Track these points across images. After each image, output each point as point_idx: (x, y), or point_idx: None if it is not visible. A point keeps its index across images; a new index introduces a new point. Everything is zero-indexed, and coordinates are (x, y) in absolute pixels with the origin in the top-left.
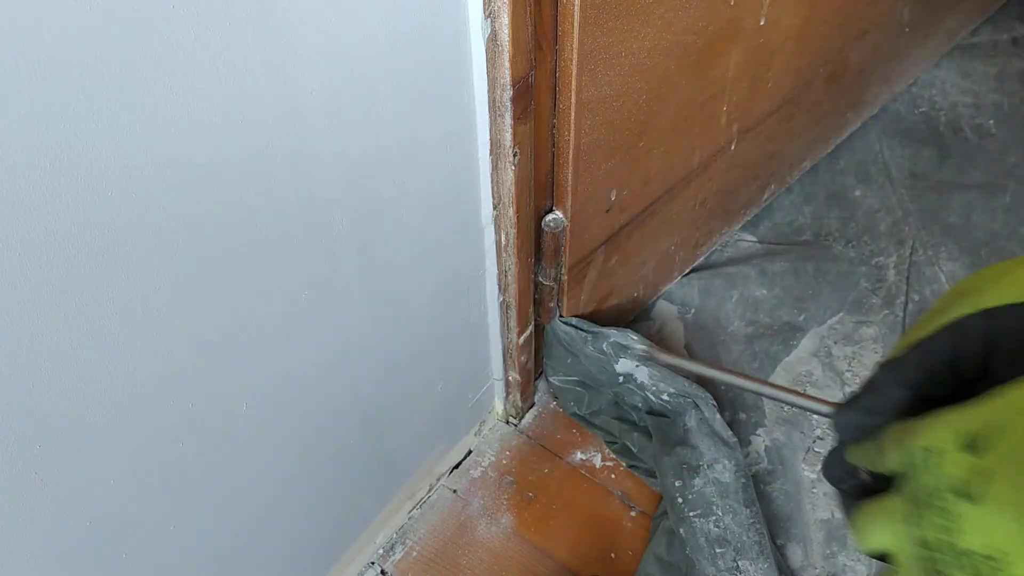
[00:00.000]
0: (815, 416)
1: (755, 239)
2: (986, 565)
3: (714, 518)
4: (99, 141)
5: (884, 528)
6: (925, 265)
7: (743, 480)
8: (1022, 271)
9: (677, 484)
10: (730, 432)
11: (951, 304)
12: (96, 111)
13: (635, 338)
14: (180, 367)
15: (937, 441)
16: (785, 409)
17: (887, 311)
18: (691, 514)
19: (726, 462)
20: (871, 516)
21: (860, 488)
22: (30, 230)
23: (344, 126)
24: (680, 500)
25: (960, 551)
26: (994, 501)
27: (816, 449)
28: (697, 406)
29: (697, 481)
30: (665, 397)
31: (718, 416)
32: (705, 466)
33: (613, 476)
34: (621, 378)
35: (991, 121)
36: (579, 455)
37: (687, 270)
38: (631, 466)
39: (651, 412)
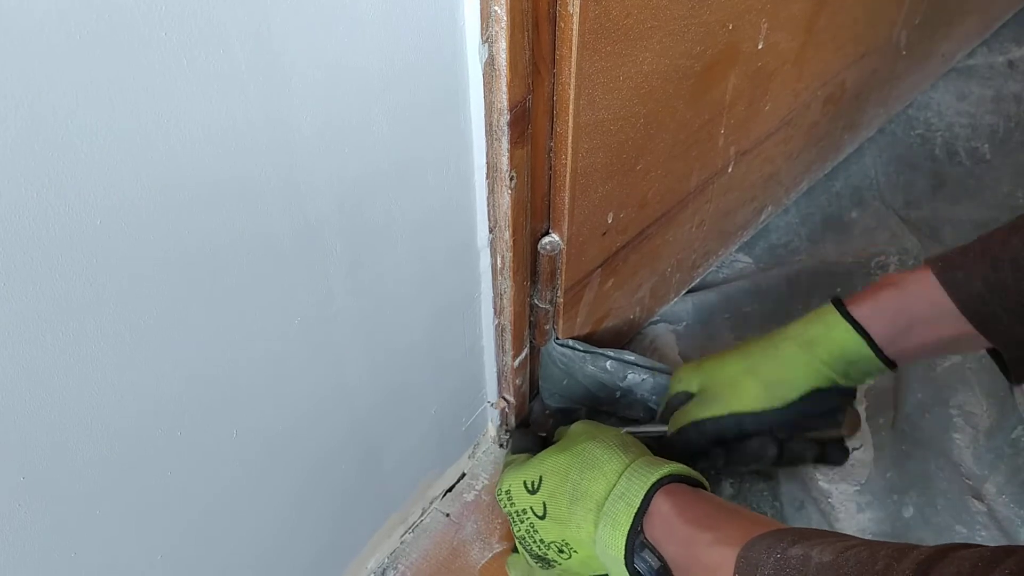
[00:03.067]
0: None
1: (751, 260)
2: (566, 546)
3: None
4: (87, 171)
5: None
6: None
7: None
8: (748, 387)
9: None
10: None
11: (713, 403)
12: (85, 141)
13: (632, 357)
14: (169, 396)
15: (510, 486)
16: None
17: None
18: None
19: None
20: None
21: None
22: (15, 263)
23: (338, 151)
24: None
25: (544, 541)
26: (551, 518)
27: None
28: None
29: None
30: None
31: None
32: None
33: None
34: (619, 393)
35: (986, 145)
36: None
37: (683, 292)
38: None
39: (655, 417)
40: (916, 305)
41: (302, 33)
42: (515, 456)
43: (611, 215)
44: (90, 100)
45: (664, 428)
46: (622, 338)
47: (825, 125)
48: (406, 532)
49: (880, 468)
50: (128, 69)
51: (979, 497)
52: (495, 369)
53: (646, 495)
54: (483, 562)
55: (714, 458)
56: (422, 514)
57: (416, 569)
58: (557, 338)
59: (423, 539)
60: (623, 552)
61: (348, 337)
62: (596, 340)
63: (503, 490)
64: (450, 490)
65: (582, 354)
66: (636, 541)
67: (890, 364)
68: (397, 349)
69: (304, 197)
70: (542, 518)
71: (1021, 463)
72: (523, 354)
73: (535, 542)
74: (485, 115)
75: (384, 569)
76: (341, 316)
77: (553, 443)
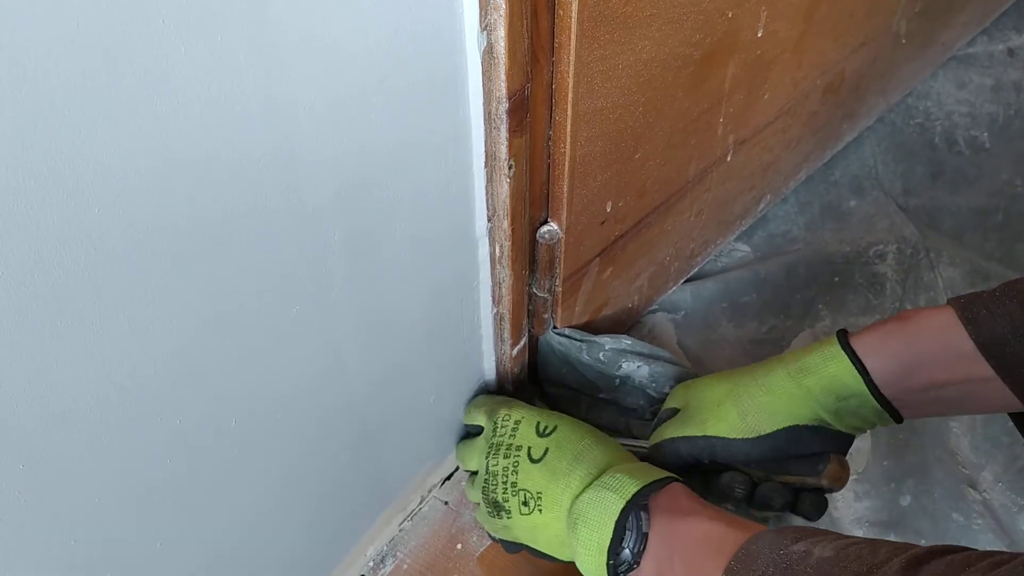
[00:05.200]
0: None
1: (749, 249)
2: (534, 499)
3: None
4: (86, 158)
5: (474, 457)
6: (926, 270)
7: None
8: (726, 411)
9: None
10: None
11: (690, 423)
12: (83, 128)
13: (629, 342)
14: (168, 384)
15: (522, 416)
16: None
17: (877, 315)
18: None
19: None
20: (468, 450)
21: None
22: (13, 250)
23: (337, 141)
24: None
25: (515, 485)
26: (546, 464)
27: None
28: None
29: None
30: (667, 390)
31: None
32: None
33: None
34: (617, 381)
35: (985, 134)
36: None
37: (682, 281)
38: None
39: (653, 404)
40: (926, 341)
41: (300, 21)
42: (506, 398)
43: (610, 204)
44: (88, 88)
45: (645, 446)
46: (621, 327)
47: (824, 114)
48: (405, 520)
49: (877, 457)
50: (126, 56)
51: (975, 486)
52: (493, 358)
53: (668, 476)
54: (481, 550)
55: (689, 481)
56: (421, 502)
57: (415, 557)
58: (555, 327)
59: (422, 527)
60: (628, 498)
61: (346, 325)
62: (594, 329)
63: (512, 418)
64: (448, 478)
65: (579, 343)
66: (641, 501)
67: (892, 411)
68: (395, 338)
69: (302, 185)
70: (534, 462)
71: (1018, 452)
72: (521, 343)
73: (506, 484)
74: (484, 103)
75: (383, 556)
76: (339, 304)
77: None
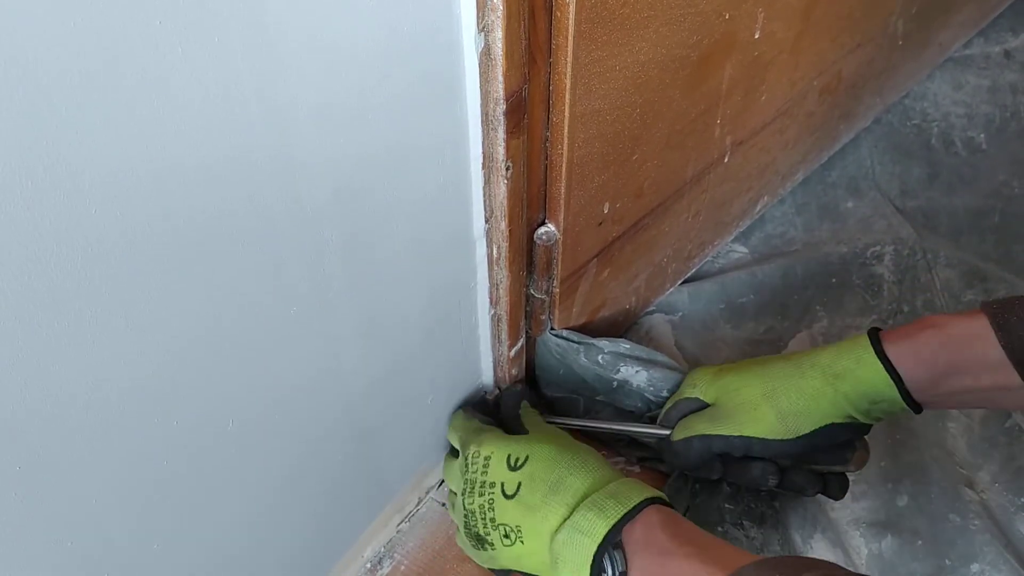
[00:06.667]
0: None
1: (747, 250)
2: (514, 532)
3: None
4: (83, 159)
5: (453, 480)
6: (923, 271)
7: None
8: (764, 413)
9: None
10: None
11: (725, 422)
12: (80, 130)
13: (627, 346)
14: (165, 385)
15: (492, 452)
16: None
17: (875, 316)
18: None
19: None
20: (449, 470)
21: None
22: (11, 250)
23: (335, 142)
24: None
25: (494, 521)
26: (520, 500)
27: None
28: None
29: None
30: (665, 394)
31: None
32: None
33: None
34: (615, 384)
35: (982, 135)
36: None
37: (679, 282)
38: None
39: (651, 408)
40: (958, 351)
41: (299, 21)
42: (479, 424)
43: (607, 205)
44: (86, 89)
45: (666, 432)
46: (618, 328)
47: (821, 115)
48: (402, 522)
49: (875, 457)
50: (124, 56)
51: (973, 486)
52: (491, 359)
53: (642, 501)
54: None
55: (712, 470)
56: (418, 503)
57: (412, 558)
58: (553, 328)
59: (419, 528)
60: (599, 541)
61: (344, 325)
62: (592, 330)
63: (482, 454)
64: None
65: (576, 345)
66: (614, 539)
67: (915, 407)
68: (392, 338)
69: (301, 186)
70: (508, 497)
71: (1015, 451)
72: (519, 344)
73: (485, 520)
74: (481, 105)
75: (380, 558)
76: (337, 304)
77: (514, 423)
